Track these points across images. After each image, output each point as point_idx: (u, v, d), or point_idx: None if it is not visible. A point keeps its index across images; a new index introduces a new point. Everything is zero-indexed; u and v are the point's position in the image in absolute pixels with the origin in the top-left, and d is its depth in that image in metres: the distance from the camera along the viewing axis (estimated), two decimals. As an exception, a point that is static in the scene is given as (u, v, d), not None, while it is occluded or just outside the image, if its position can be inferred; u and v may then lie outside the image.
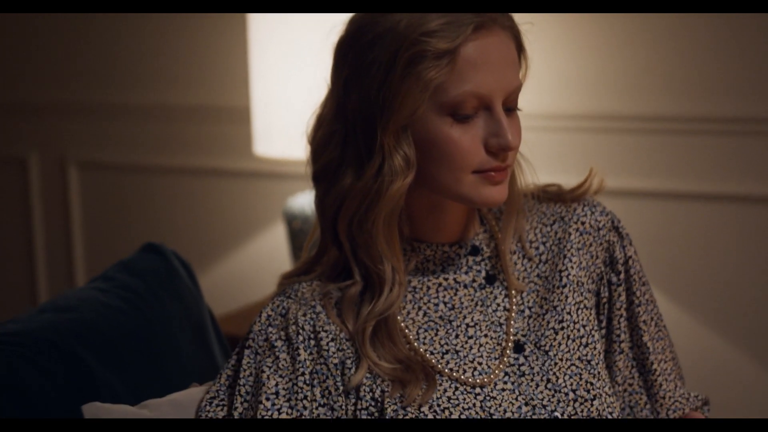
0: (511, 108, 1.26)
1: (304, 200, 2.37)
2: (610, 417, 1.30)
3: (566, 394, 1.29)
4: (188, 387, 1.46)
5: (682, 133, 2.35)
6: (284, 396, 1.26)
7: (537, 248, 1.37)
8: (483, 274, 1.35)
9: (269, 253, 2.70)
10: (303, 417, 1.25)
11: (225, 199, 2.86)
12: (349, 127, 1.27)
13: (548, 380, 1.30)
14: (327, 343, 1.28)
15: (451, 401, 1.26)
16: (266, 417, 1.24)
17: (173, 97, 2.88)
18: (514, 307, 1.34)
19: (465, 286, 1.34)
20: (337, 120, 1.28)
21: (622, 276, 1.38)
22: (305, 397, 1.26)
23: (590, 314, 1.35)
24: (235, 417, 1.27)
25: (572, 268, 1.35)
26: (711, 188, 2.34)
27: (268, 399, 1.25)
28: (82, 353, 1.42)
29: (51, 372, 1.38)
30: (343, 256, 1.31)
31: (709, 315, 2.38)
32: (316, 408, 1.26)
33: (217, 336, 1.67)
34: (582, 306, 1.35)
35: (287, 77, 2.27)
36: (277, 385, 1.26)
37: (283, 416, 1.24)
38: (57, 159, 3.06)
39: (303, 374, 1.27)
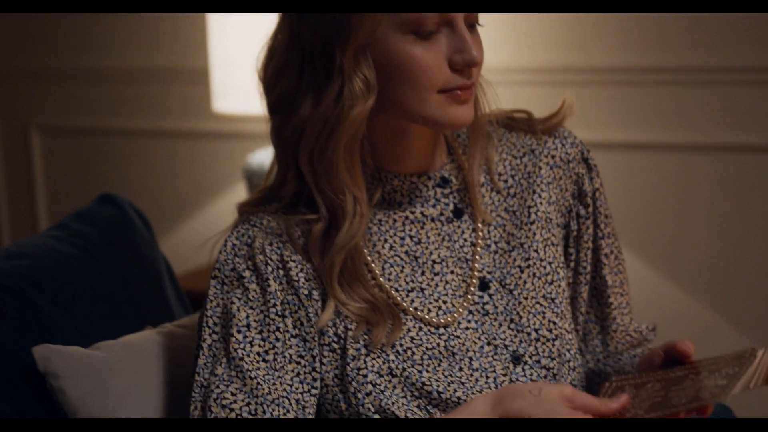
0: (472, 24, 1.23)
1: (263, 157, 2.38)
2: (568, 355, 1.31)
3: (528, 334, 1.29)
4: (142, 330, 1.47)
5: (647, 84, 2.38)
6: (256, 328, 1.23)
7: (505, 181, 1.35)
8: (451, 207, 1.32)
9: (231, 212, 2.71)
10: (275, 349, 1.23)
11: (186, 159, 2.87)
12: (305, 54, 1.23)
13: (511, 320, 1.29)
14: (296, 274, 1.25)
15: (414, 341, 1.25)
16: (238, 350, 1.21)
17: (132, 59, 2.88)
18: (480, 241, 1.32)
19: (432, 220, 1.31)
20: (290, 48, 1.24)
21: (590, 209, 1.37)
22: (278, 329, 1.23)
23: (557, 251, 1.34)
24: (204, 349, 1.24)
25: (541, 204, 1.34)
26: (678, 138, 2.38)
27: (239, 331, 1.22)
28: (34, 297, 1.42)
29: (2, 314, 1.38)
30: (306, 189, 1.27)
31: (668, 264, 2.42)
32: (289, 339, 1.23)
33: (173, 282, 1.68)
34: (549, 243, 1.34)
35: (245, 33, 2.27)
36: (248, 317, 1.23)
37: (256, 348, 1.22)
38: (19, 125, 3.05)
39: (274, 305, 1.24)
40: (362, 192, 1.24)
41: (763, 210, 2.34)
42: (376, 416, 1.22)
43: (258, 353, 1.22)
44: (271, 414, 1.20)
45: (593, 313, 1.40)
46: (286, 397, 1.21)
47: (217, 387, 1.21)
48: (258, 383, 1.20)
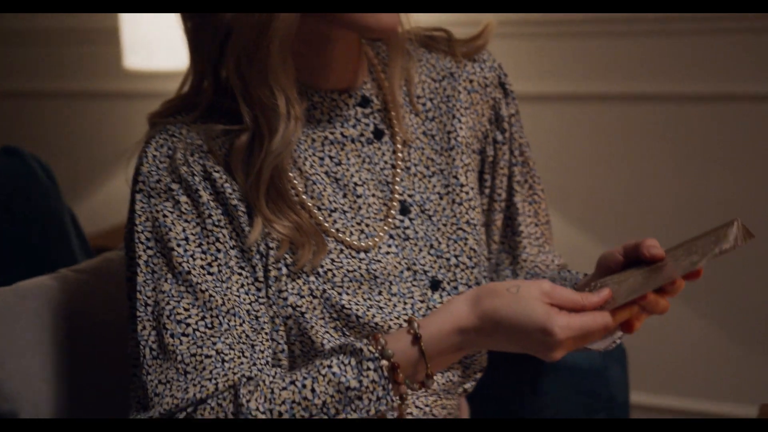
0: None
1: (176, 114, 2.36)
2: (484, 282, 1.29)
3: (448, 260, 1.27)
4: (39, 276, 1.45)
5: (567, 36, 2.40)
6: (195, 241, 1.17)
7: (424, 104, 1.32)
8: (371, 127, 1.29)
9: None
10: (218, 260, 1.17)
11: (99, 120, 2.85)
12: None
13: (431, 245, 1.28)
14: (222, 185, 1.19)
15: (335, 263, 1.22)
16: (183, 264, 1.16)
17: (43, 20, 2.84)
18: (400, 163, 1.29)
19: (352, 141, 1.27)
20: None
21: (507, 134, 1.35)
22: (217, 240, 1.18)
23: (475, 177, 1.33)
24: (141, 266, 1.17)
25: (461, 129, 1.32)
26: (601, 88, 2.40)
27: (179, 245, 1.16)
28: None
29: None
30: (223, 101, 1.20)
31: (578, 213, 2.45)
32: (229, 250, 1.18)
33: (79, 235, 1.66)
34: (470, 169, 1.32)
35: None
36: (184, 230, 1.17)
37: (199, 262, 1.16)
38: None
39: (210, 216, 1.18)
40: (295, 94, 1.19)
41: (665, 157, 2.38)
42: (297, 341, 1.20)
43: (202, 266, 1.17)
44: (228, 325, 1.15)
45: (506, 243, 1.39)
46: (239, 308, 1.17)
47: (168, 303, 1.15)
48: (210, 295, 1.15)
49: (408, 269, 1.26)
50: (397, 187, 1.28)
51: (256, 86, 1.17)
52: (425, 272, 1.27)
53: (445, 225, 1.29)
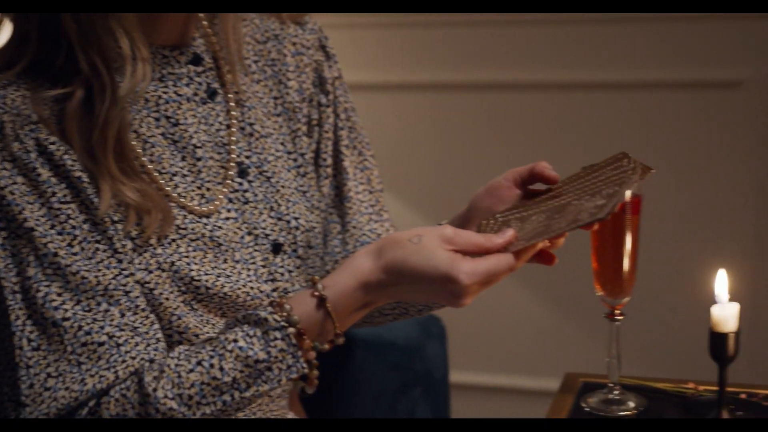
0: None
1: None
2: (315, 245, 1.28)
3: (288, 222, 1.25)
4: None
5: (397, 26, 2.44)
6: (46, 223, 1.09)
7: (249, 66, 1.29)
8: (204, 87, 1.24)
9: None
10: (76, 238, 1.10)
11: None
12: None
13: (271, 208, 1.25)
14: (61, 157, 1.11)
15: (179, 231, 1.17)
16: (49, 245, 1.08)
17: None
18: (235, 122, 1.25)
19: (188, 100, 1.22)
20: None
21: (330, 97, 1.33)
22: (69, 217, 1.10)
23: (307, 142, 1.31)
24: None
25: (288, 94, 1.30)
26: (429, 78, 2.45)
27: (38, 225, 1.08)
28: None
29: None
30: (54, 50, 1.11)
31: (418, 197, 2.51)
32: (82, 225, 1.11)
33: None
34: (300, 133, 1.30)
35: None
36: (32, 212, 1.09)
37: (58, 243, 1.09)
38: None
39: (54, 194, 1.10)
40: (140, 34, 1.11)
41: (499, 144, 2.46)
42: (151, 315, 1.13)
43: (63, 247, 1.09)
44: (108, 306, 1.09)
45: (335, 213, 1.35)
46: (113, 285, 1.11)
47: (38, 290, 1.08)
48: (83, 276, 1.09)
49: (249, 234, 1.23)
50: (233, 148, 1.24)
51: (94, 28, 1.09)
52: (266, 236, 1.24)
53: (283, 187, 1.26)
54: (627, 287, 1.35)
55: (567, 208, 1.10)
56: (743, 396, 1.38)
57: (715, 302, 1.28)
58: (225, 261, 1.19)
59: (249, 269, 1.21)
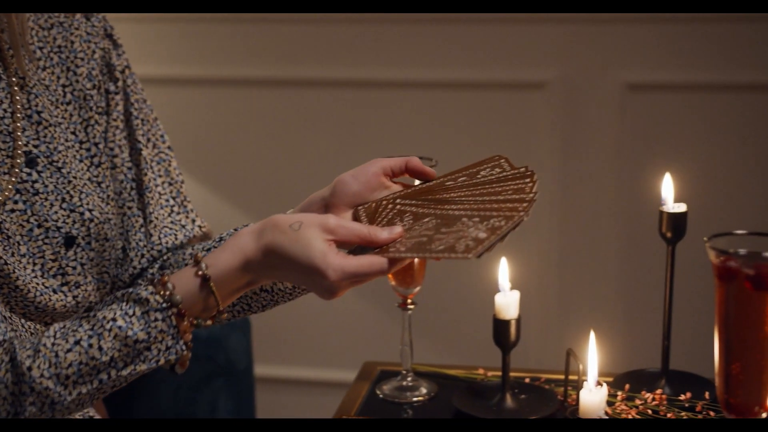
0: None
1: None
2: (113, 240, 1.26)
3: (81, 214, 1.21)
4: None
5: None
6: None
7: (35, 52, 1.24)
8: None
9: None
10: None
11: None
12: None
13: (63, 199, 1.21)
14: None
15: None
16: None
17: None
18: (20, 108, 1.20)
19: None
20: None
21: (120, 84, 1.30)
22: None
23: (101, 131, 1.28)
24: None
25: (78, 81, 1.26)
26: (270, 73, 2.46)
27: None
28: None
29: None
30: None
31: (229, 188, 2.51)
32: None
33: None
34: (93, 122, 1.27)
35: None
36: None
37: None
38: None
39: None
40: None
41: (306, 139, 2.49)
42: None
43: None
44: None
45: (135, 206, 1.32)
46: None
47: None
48: None
49: (39, 226, 1.19)
50: (20, 135, 1.20)
51: None
52: (58, 228, 1.20)
53: (75, 177, 1.23)
54: (418, 277, 1.40)
55: (455, 224, 1.08)
56: (527, 380, 1.45)
57: (498, 290, 1.34)
58: (12, 254, 1.17)
59: (35, 263, 1.19)
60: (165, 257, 1.32)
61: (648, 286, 2.36)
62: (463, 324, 2.48)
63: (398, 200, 1.16)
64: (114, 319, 1.07)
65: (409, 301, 1.42)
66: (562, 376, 1.39)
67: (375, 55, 2.41)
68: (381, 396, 1.44)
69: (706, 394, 1.34)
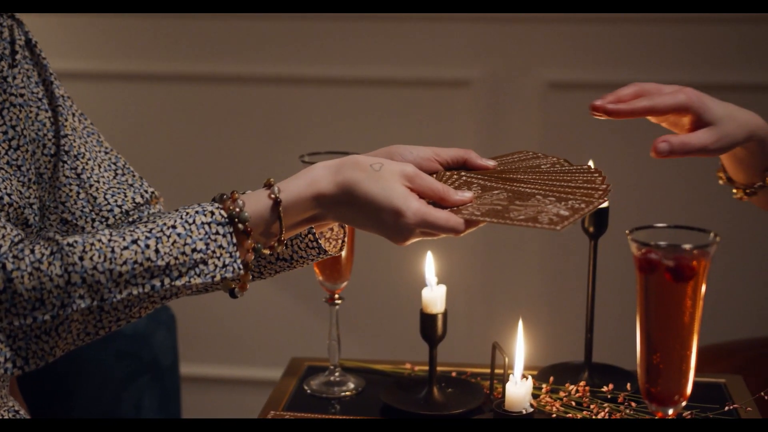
0: None
1: None
2: (36, 225, 1.21)
3: (1, 198, 1.17)
4: None
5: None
6: None
7: None
8: None
9: None
10: None
11: None
12: None
13: None
14: None
15: None
16: None
17: None
18: None
19: None
20: None
21: (29, 58, 1.25)
22: None
23: (14, 113, 1.23)
24: None
25: None
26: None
27: None
28: None
29: None
30: None
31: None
32: None
33: None
34: (8, 105, 1.22)
35: None
36: None
37: None
38: None
39: None
40: None
41: (227, 136, 2.48)
42: None
43: None
44: None
45: (63, 173, 1.25)
46: None
47: None
48: None
49: None
50: None
51: None
52: None
53: None
54: (345, 272, 1.41)
55: (531, 200, 1.10)
56: (453, 374, 1.47)
57: (425, 285, 1.35)
58: None
59: None
60: (132, 215, 1.27)
61: (571, 280, 2.39)
62: (390, 319, 2.49)
63: (463, 173, 1.17)
64: (174, 227, 1.07)
65: (336, 296, 1.42)
66: (488, 370, 1.41)
67: (298, 52, 2.41)
68: (309, 391, 1.44)
69: (628, 385, 1.37)
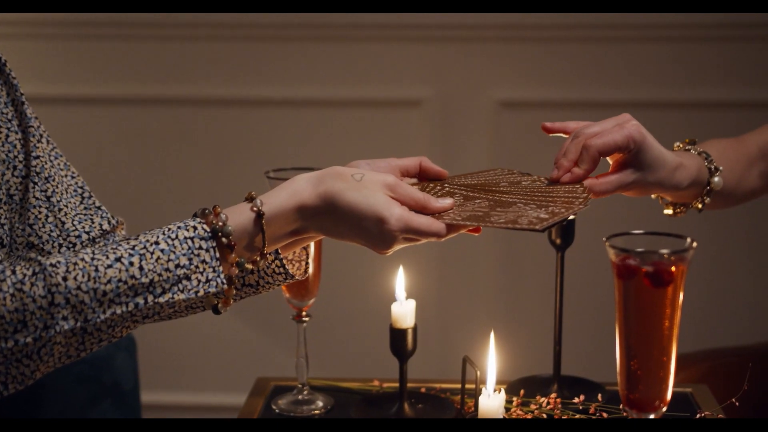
0: None
1: None
2: (6, 246, 1.18)
3: None
4: None
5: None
6: None
7: None
8: None
9: None
10: None
11: None
12: None
13: None
14: None
15: None
16: None
17: None
18: None
19: None
20: None
21: (4, 76, 1.21)
22: None
23: None
24: None
25: None
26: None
27: None
28: None
29: None
30: None
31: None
32: None
33: None
34: None
35: None
36: None
37: None
38: None
39: None
40: None
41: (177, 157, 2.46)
42: None
43: None
44: None
45: (33, 195, 1.22)
46: None
47: None
48: None
49: None
50: None
51: None
52: None
53: None
54: (313, 288, 1.40)
55: (511, 207, 1.12)
56: (423, 390, 1.46)
57: (394, 300, 1.35)
58: None
59: None
60: (98, 243, 1.24)
61: (539, 292, 2.40)
62: (359, 335, 2.47)
63: (446, 184, 1.19)
64: (157, 243, 1.05)
65: (303, 313, 1.41)
66: (458, 385, 1.40)
67: (251, 73, 2.40)
68: (277, 411, 1.42)
69: (599, 396, 1.37)
